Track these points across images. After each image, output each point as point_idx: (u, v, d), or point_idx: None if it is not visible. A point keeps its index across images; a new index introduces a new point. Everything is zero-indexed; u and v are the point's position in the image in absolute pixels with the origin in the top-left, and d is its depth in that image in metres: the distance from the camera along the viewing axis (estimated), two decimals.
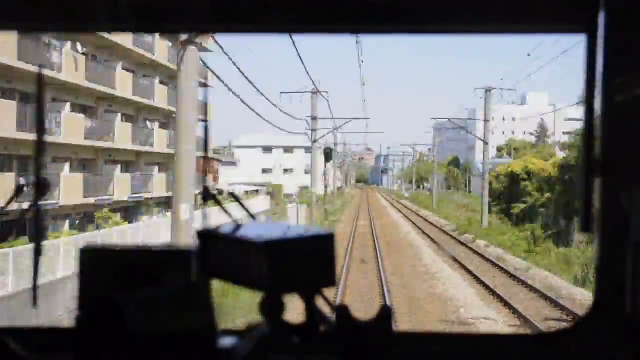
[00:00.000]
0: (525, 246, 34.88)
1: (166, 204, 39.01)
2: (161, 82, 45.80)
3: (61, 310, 19.04)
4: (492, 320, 18.96)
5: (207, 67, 21.45)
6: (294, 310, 1.46)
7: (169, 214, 25.18)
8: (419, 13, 1.86)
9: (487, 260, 29.92)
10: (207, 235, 1.38)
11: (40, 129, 1.45)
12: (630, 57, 1.79)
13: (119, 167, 41.78)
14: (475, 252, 33.04)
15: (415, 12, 1.85)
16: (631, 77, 1.80)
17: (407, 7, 1.85)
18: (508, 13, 1.87)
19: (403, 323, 17.71)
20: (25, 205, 1.55)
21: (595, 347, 1.87)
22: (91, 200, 36.05)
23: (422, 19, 1.87)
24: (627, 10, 1.80)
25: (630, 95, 1.80)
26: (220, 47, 18.53)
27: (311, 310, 1.31)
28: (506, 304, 20.67)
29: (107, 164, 40.53)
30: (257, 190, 65.93)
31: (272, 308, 1.29)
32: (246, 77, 22.21)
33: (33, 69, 26.92)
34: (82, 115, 36.68)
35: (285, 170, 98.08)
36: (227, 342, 1.30)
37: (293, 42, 26.49)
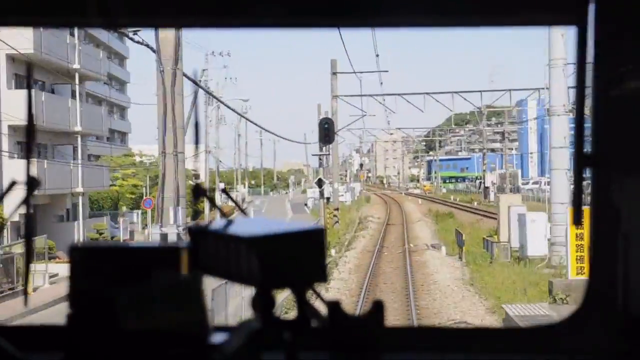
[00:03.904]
0: None
1: None
2: None
3: None
4: None
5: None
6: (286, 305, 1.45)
7: None
8: (405, 6, 1.85)
9: None
10: (198, 231, 1.38)
11: (30, 123, 1.43)
12: (620, 50, 1.80)
13: None
14: None
15: (402, 5, 1.85)
16: (621, 69, 1.80)
17: (394, 0, 1.84)
18: (499, 5, 1.86)
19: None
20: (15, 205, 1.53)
21: (588, 338, 1.87)
22: None
23: (410, 12, 1.87)
24: (616, 2, 1.80)
25: (621, 88, 1.80)
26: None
27: (302, 305, 1.31)
28: None
29: None
30: None
31: (263, 303, 1.29)
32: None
33: None
34: None
35: None
36: (218, 338, 1.29)
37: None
